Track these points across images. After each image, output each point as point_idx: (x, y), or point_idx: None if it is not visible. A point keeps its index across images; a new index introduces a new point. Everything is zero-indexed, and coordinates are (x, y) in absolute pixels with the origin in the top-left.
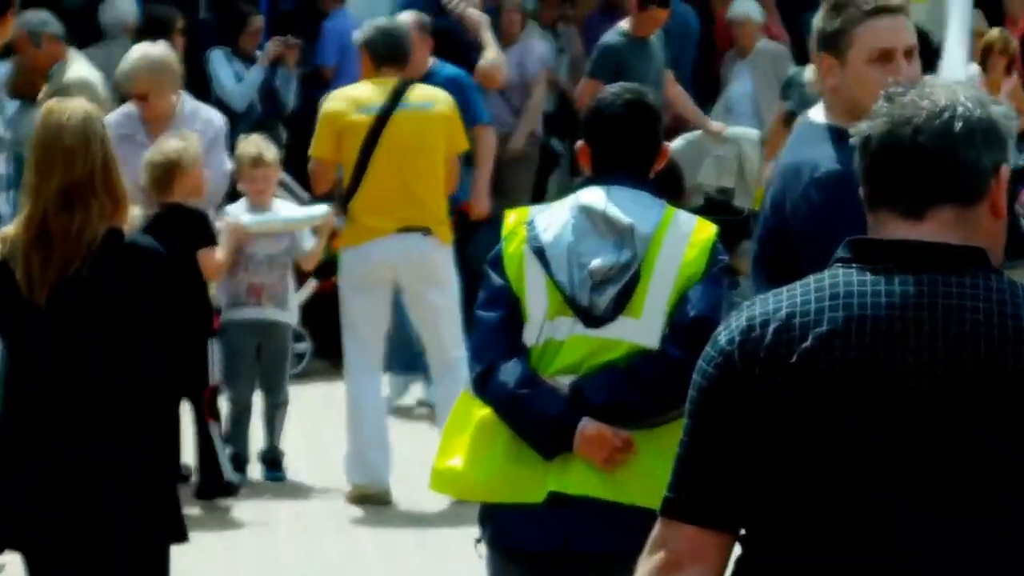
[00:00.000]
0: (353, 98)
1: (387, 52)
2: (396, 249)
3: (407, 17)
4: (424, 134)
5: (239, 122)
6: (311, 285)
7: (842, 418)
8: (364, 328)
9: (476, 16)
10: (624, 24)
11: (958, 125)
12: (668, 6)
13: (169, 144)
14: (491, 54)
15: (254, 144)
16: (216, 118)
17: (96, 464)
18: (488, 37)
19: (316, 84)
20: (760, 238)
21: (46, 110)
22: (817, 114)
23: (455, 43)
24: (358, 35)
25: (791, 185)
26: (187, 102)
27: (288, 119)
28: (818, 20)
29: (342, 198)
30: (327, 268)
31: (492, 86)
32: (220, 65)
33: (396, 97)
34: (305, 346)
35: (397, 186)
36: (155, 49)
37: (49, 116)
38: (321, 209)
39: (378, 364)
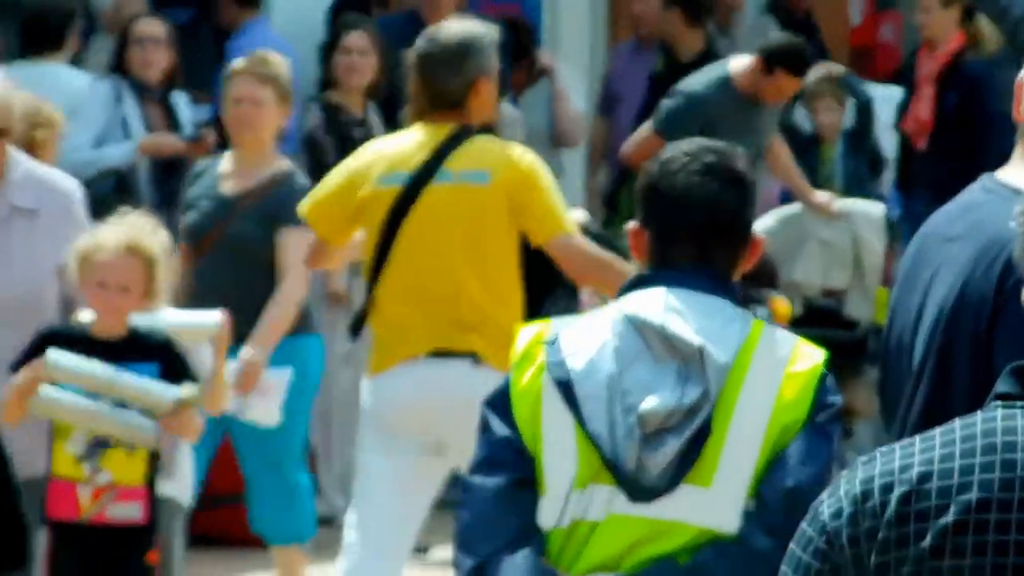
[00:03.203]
0: (383, 154)
1: (440, 87)
2: (429, 382)
3: None
4: (466, 217)
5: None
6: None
7: None
8: (380, 498)
9: None
10: (729, 70)
11: None
12: (804, 74)
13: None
14: None
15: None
16: (64, 186)
17: None
18: None
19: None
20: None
21: None
22: (1015, 176)
23: None
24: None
25: (965, 269)
26: (20, 163)
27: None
28: None
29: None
30: None
31: None
32: (99, 105)
33: (438, 158)
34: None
35: (427, 288)
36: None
37: None
38: (214, 316)
39: (391, 555)
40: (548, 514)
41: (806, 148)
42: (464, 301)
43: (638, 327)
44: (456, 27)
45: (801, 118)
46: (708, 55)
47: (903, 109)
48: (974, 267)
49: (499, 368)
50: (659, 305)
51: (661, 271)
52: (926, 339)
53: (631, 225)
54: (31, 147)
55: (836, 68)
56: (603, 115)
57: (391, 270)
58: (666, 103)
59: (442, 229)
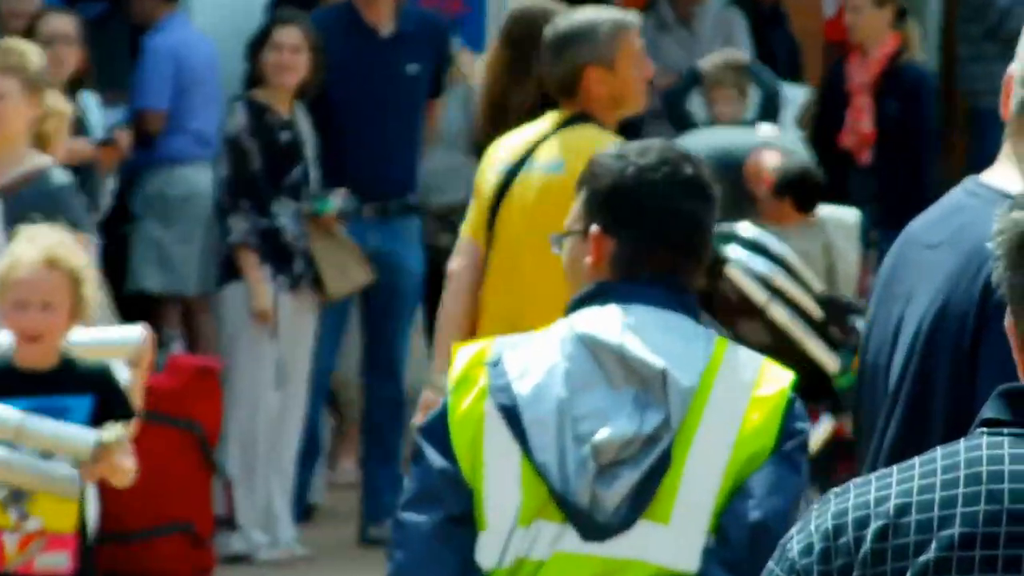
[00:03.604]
0: (505, 144)
1: (547, 74)
2: None
3: None
4: (540, 208)
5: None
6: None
7: None
8: None
9: None
10: (748, 157)
11: None
12: (810, 211)
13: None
14: None
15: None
16: None
17: None
18: None
19: (139, 139)
20: (866, 379)
21: None
22: (1001, 178)
23: None
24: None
25: (947, 282)
26: None
27: (104, 222)
28: None
29: None
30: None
31: None
32: None
33: (532, 147)
34: None
35: (505, 282)
36: None
37: None
38: (134, 332)
39: None
40: (488, 552)
41: None
42: (530, 299)
43: (591, 347)
44: (578, 14)
45: (696, 106)
46: None
47: (815, 115)
48: (957, 279)
49: None
50: (615, 324)
51: (619, 284)
52: (904, 357)
53: (593, 230)
54: (41, 140)
55: (739, 55)
56: None
57: (489, 263)
58: None
59: (521, 222)
